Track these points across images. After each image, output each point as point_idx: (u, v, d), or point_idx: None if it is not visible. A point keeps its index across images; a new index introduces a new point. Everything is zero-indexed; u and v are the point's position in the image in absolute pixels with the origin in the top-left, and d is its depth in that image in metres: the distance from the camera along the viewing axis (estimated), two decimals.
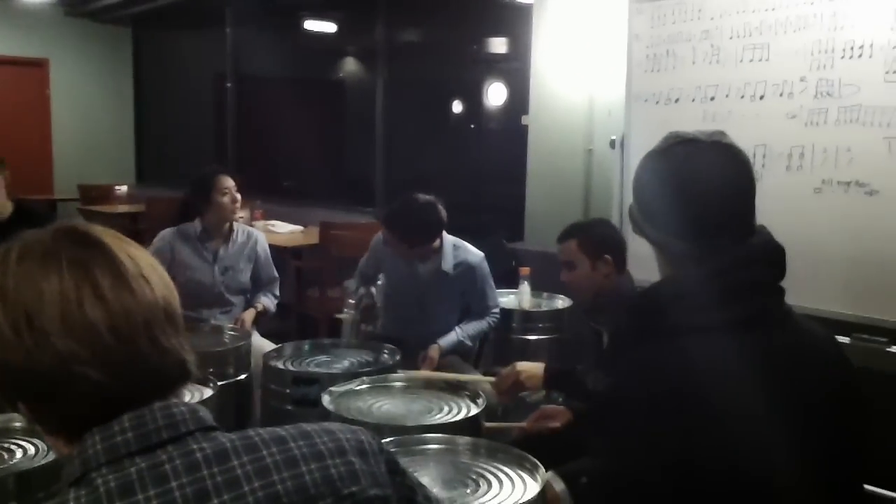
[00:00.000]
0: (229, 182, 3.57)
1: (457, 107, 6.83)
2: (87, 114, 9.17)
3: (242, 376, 2.94)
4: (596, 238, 2.63)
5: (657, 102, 3.42)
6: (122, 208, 7.85)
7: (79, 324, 0.83)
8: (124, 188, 8.32)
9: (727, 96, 3.16)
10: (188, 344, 0.91)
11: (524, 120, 4.88)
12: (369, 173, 6.74)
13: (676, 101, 3.35)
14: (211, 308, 3.56)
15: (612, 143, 3.80)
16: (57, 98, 9.02)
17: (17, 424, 2.05)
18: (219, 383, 2.57)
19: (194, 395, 2.48)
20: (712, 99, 3.21)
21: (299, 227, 5.99)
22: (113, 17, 8.98)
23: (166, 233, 3.62)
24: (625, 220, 3.88)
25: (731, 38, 3.15)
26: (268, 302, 3.70)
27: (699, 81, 3.25)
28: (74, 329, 0.83)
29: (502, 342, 3.69)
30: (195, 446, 0.86)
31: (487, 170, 6.25)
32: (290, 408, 2.67)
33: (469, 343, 3.34)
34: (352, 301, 3.45)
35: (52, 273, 0.84)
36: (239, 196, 3.61)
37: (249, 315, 3.59)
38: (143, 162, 9.64)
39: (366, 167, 6.86)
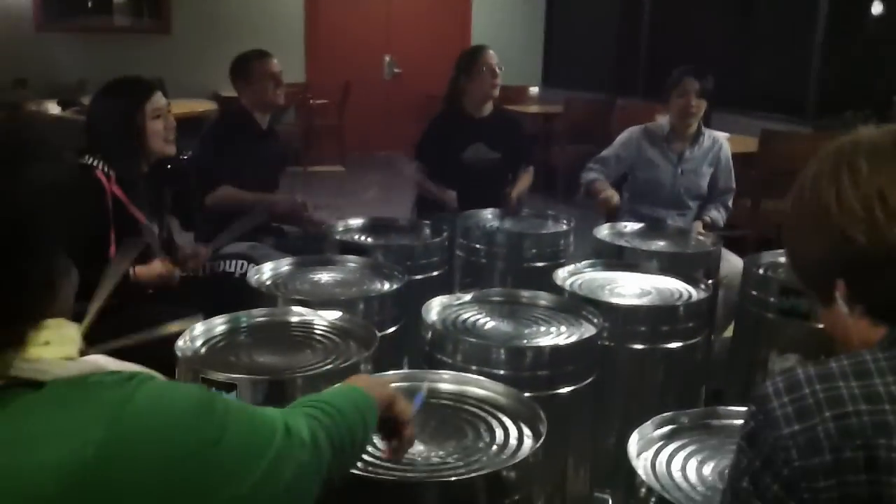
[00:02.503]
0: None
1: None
2: (502, 19, 9.57)
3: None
4: None
5: None
6: (533, 108, 8.17)
7: None
8: (536, 89, 8.63)
9: None
10: None
11: None
12: (801, 78, 6.22)
13: None
14: (668, 209, 3.55)
15: None
16: (477, 3, 9.52)
17: None
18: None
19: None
20: None
21: (737, 136, 5.72)
22: None
23: (634, 130, 3.65)
24: None
25: None
26: (717, 215, 3.60)
27: None
28: None
29: None
30: None
31: None
32: (771, 317, 2.60)
33: None
34: None
35: None
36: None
37: (697, 226, 3.52)
38: (551, 65, 9.89)
39: (793, 72, 6.35)
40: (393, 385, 1.49)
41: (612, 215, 3.56)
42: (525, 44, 9.69)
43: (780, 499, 0.80)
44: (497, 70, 3.67)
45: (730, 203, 3.65)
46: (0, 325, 0.81)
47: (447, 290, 2.80)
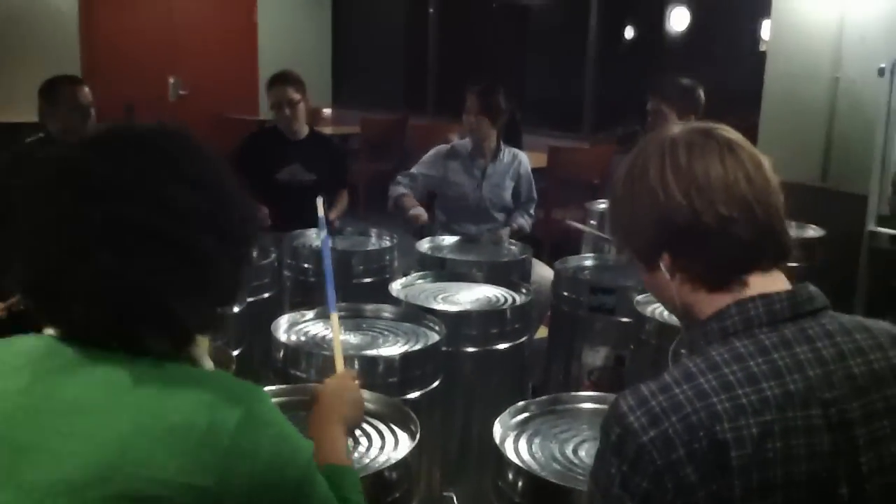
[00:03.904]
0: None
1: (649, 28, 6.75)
2: (289, 38, 9.59)
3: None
4: None
5: None
6: (328, 129, 8.26)
7: (736, 195, 1.06)
8: (329, 110, 8.73)
9: None
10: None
11: (762, 45, 4.80)
12: (576, 97, 6.80)
13: None
14: (478, 223, 3.81)
15: (881, 72, 3.73)
16: (263, 23, 9.48)
17: None
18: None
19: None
20: None
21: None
22: None
23: (440, 148, 3.87)
24: (888, 155, 3.86)
25: None
26: (523, 222, 3.91)
27: None
28: (733, 199, 1.06)
29: None
30: (825, 320, 1.06)
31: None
32: (582, 314, 2.91)
33: None
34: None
35: (715, 157, 1.08)
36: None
37: (506, 232, 3.81)
38: (340, 85, 10.03)
39: (569, 91, 6.92)
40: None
41: (421, 231, 3.75)
42: (314, 65, 9.75)
43: (650, 493, 0.97)
44: (285, 106, 3.80)
45: (532, 211, 3.97)
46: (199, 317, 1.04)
47: (280, 310, 2.86)
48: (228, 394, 0.98)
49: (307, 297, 3.17)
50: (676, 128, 1.15)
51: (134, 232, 0.96)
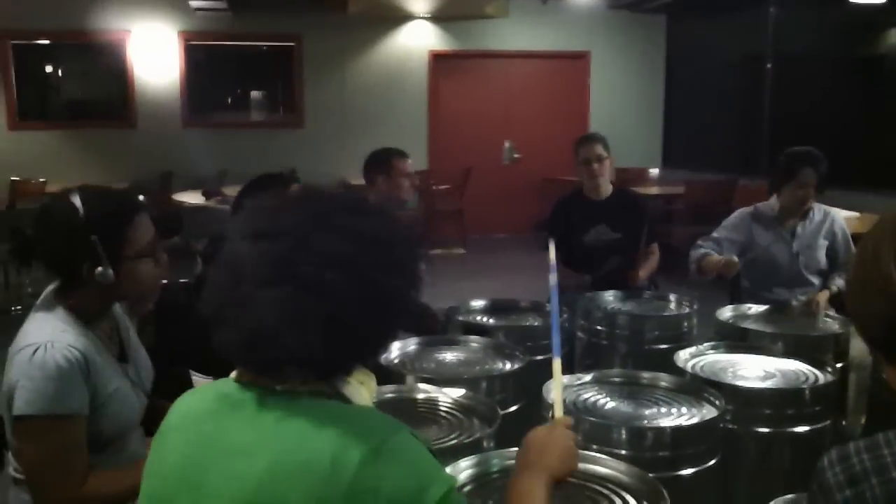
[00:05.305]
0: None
1: None
2: (621, 101, 9.70)
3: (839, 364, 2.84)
4: None
5: None
6: (654, 189, 8.17)
7: None
8: (656, 171, 8.65)
9: None
10: None
11: None
12: None
13: None
14: (791, 288, 3.51)
15: None
16: (595, 87, 9.70)
17: None
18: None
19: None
20: None
21: (854, 213, 5.59)
22: (650, 7, 9.34)
23: (743, 211, 3.66)
24: None
25: None
26: (842, 283, 3.52)
27: None
28: None
29: None
30: None
31: None
32: None
33: None
34: None
35: None
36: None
37: (823, 296, 3.44)
38: (670, 146, 9.90)
39: None
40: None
41: (730, 276, 3.51)
42: (644, 125, 9.76)
43: None
44: (594, 161, 3.79)
45: None
46: (349, 358, 1.10)
47: (568, 370, 2.84)
48: (363, 429, 1.01)
49: (597, 358, 3.13)
50: None
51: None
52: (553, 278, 1.61)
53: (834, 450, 0.95)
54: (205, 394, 1.14)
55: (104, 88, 9.49)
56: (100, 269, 1.72)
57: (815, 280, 3.55)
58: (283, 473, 0.99)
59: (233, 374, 1.13)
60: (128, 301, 1.93)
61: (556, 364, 1.54)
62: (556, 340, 1.55)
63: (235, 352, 1.07)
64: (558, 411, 1.50)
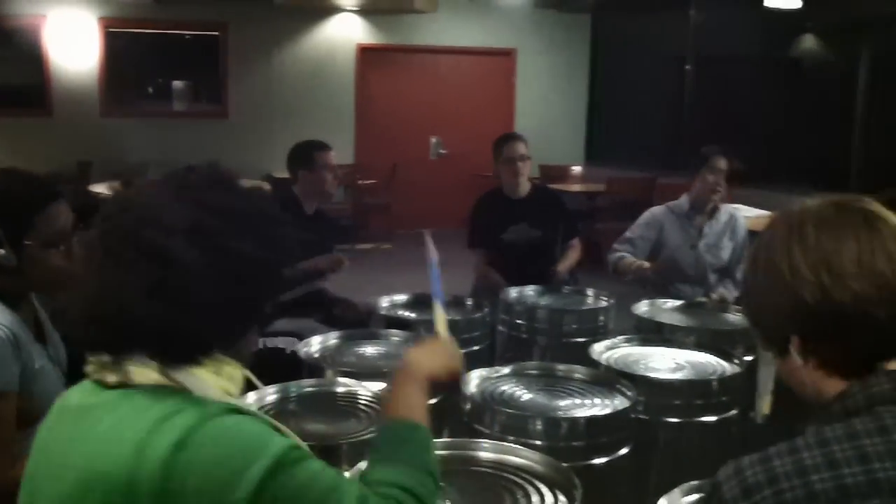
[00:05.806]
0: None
1: None
2: (546, 99, 9.83)
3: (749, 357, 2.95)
4: None
5: None
6: (576, 187, 8.32)
7: (873, 273, 0.96)
8: (579, 167, 8.80)
9: None
10: None
11: None
12: (839, 155, 6.29)
13: None
14: (692, 285, 3.64)
15: None
16: (521, 84, 9.81)
17: None
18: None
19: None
20: None
21: (765, 212, 5.80)
22: (576, 6, 9.48)
23: (655, 210, 3.77)
24: None
25: None
26: (725, 292, 3.65)
27: None
28: (869, 277, 0.96)
29: None
30: None
31: None
32: None
33: None
34: None
35: (848, 232, 0.99)
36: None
37: (732, 294, 3.58)
38: (593, 144, 10.08)
39: (835, 149, 6.42)
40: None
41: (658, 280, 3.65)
42: (568, 123, 9.91)
43: None
44: (517, 160, 3.85)
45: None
46: (192, 347, 1.04)
47: (488, 363, 2.89)
48: (168, 424, 0.99)
49: (517, 352, 3.19)
50: (810, 202, 1.06)
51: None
52: (433, 262, 1.73)
53: (731, 463, 0.99)
54: (72, 392, 1.14)
55: (18, 75, 9.16)
56: (1, 251, 1.69)
57: (713, 277, 3.70)
58: (86, 490, 1.00)
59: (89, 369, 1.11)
60: (36, 290, 1.89)
61: (437, 305, 1.64)
62: (435, 287, 1.66)
63: (81, 332, 1.06)
64: (442, 331, 1.55)
